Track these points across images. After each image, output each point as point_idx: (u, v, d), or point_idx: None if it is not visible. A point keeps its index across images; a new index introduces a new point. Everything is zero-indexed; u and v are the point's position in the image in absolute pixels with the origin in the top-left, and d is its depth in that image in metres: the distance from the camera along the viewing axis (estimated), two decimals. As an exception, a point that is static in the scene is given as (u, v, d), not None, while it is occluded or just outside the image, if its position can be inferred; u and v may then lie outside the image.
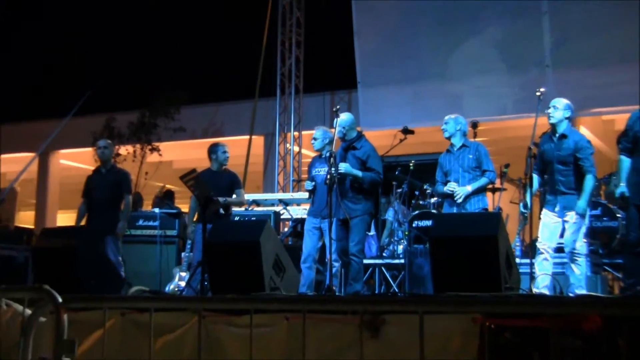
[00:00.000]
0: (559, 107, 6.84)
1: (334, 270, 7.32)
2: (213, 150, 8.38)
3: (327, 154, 7.40)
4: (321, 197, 7.45)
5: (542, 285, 6.68)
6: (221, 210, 8.01)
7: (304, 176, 8.33)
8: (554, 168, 6.87)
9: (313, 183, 7.62)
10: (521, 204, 7.65)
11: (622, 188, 6.46)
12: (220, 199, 7.79)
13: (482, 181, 7.25)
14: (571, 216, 6.75)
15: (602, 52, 11.33)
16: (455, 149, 7.42)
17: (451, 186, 7.26)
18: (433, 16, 12.75)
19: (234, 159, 8.68)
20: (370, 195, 7.50)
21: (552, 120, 6.86)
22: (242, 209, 9.77)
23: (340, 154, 7.42)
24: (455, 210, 7.18)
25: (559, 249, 7.08)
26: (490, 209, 8.14)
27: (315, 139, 7.80)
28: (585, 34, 11.59)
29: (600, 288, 7.78)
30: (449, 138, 7.47)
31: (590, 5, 11.50)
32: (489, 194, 8.46)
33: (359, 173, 7.29)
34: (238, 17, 17.64)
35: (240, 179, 8.66)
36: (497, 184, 8.60)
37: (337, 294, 7.10)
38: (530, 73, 11.77)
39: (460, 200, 7.16)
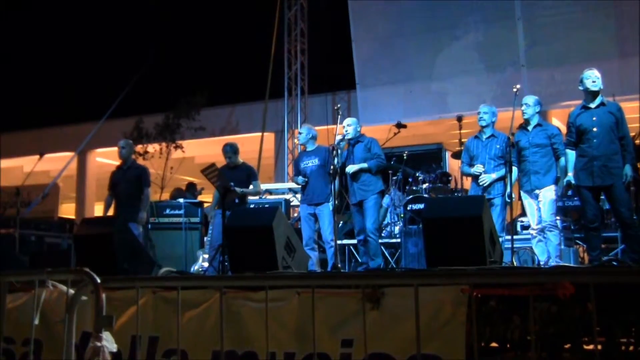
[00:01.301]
0: (530, 104, 7.02)
1: (332, 250, 7.37)
2: (223, 150, 8.40)
3: (315, 147, 7.87)
4: (312, 186, 7.63)
5: (554, 256, 6.73)
6: (236, 200, 7.98)
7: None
8: (529, 152, 6.94)
9: (305, 179, 7.67)
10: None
11: (569, 177, 6.63)
12: (238, 189, 7.78)
13: (505, 171, 7.14)
14: (543, 194, 6.82)
15: (570, 51, 11.31)
16: (484, 137, 7.29)
17: (479, 170, 7.14)
18: (420, 24, 12.75)
19: (248, 154, 8.68)
20: (378, 174, 7.59)
21: (526, 116, 7.03)
22: (257, 197, 9.75)
23: (349, 149, 7.60)
24: (480, 192, 7.06)
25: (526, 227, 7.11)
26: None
27: (300, 133, 8.04)
28: (555, 36, 11.57)
29: (572, 259, 7.79)
30: (484, 126, 7.30)
31: (558, 10, 11.48)
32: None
33: (364, 165, 7.42)
34: (250, 28, 17.61)
35: (256, 171, 8.63)
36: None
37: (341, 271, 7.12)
38: (507, 72, 11.74)
39: (484, 185, 7.09)
